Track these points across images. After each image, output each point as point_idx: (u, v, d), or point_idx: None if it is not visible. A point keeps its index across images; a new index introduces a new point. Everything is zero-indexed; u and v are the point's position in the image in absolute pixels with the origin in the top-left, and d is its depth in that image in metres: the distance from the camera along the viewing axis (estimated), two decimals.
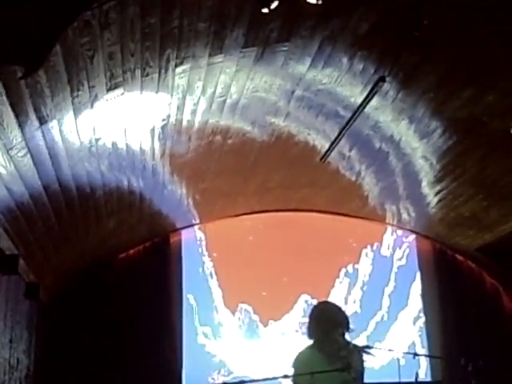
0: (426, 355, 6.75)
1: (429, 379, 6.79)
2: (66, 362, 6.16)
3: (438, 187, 5.95)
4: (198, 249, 6.88)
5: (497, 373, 6.36)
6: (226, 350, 6.63)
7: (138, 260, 6.68)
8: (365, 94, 4.36)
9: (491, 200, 6.00)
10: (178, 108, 4.21)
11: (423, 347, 6.93)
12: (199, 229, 6.94)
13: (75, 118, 3.58)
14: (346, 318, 4.09)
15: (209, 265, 6.83)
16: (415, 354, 4.64)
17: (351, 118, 4.69)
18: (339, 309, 4.17)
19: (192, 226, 6.90)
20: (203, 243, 6.90)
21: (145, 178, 5.19)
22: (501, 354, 6.74)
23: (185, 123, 4.48)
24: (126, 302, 6.45)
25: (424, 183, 5.92)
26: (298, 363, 4.05)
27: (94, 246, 6.01)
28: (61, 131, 3.59)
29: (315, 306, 4.31)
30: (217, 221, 6.95)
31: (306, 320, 4.26)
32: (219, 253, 6.89)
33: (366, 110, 4.56)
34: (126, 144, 4.39)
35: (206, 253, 6.87)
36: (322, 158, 5.50)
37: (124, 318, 6.39)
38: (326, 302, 4.42)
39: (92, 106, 3.58)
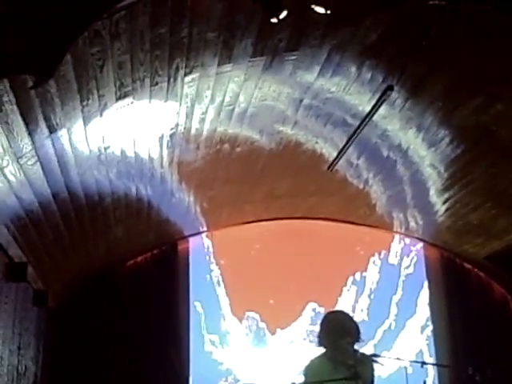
0: (433, 364, 6.71)
1: None
2: (74, 370, 6.17)
3: (446, 195, 5.95)
4: (206, 256, 6.89)
5: (503, 382, 6.35)
6: (233, 357, 6.63)
7: (145, 267, 6.69)
8: (373, 102, 4.37)
9: (500, 208, 5.99)
10: (186, 116, 4.23)
11: (431, 356, 6.90)
12: (207, 236, 6.95)
13: (85, 127, 3.60)
14: (356, 327, 4.09)
15: (216, 272, 6.83)
16: (423, 363, 4.63)
17: (359, 126, 4.70)
18: (350, 318, 4.17)
19: (199, 233, 6.91)
20: (211, 251, 6.91)
21: (153, 186, 5.21)
22: (509, 364, 6.71)
23: (193, 131, 4.50)
24: (133, 309, 6.46)
25: (432, 191, 5.91)
26: (308, 371, 4.06)
27: (102, 253, 6.03)
28: (70, 140, 3.62)
29: (326, 315, 4.32)
30: (224, 228, 6.95)
31: (314, 328, 4.27)
32: (226, 260, 6.90)
33: (373, 118, 4.57)
34: (135, 152, 4.41)
35: (213, 260, 6.87)
36: (329, 167, 5.50)
37: (131, 326, 6.40)
38: (337, 311, 4.43)
39: (101, 115, 3.60)
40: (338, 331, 4.00)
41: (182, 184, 5.42)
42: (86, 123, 3.57)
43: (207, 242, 6.93)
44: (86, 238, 5.32)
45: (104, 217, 5.18)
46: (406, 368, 5.78)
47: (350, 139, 4.92)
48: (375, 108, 4.38)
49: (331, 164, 5.45)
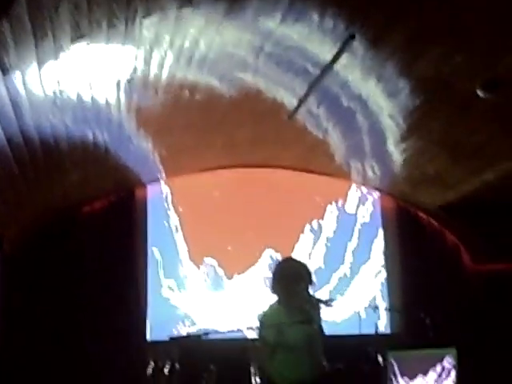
0: (386, 309, 6.94)
1: (388, 332, 7.00)
2: (29, 314, 6.16)
3: (404, 145, 6.02)
4: (164, 203, 6.87)
5: (453, 326, 6.61)
6: (191, 302, 6.71)
7: (103, 213, 6.64)
8: (334, 51, 4.34)
9: (455, 159, 6.10)
10: (144, 61, 4.13)
11: (384, 301, 7.11)
12: (165, 183, 6.91)
13: (39, 70, 3.50)
14: (308, 272, 4.18)
15: (174, 219, 6.84)
16: (375, 307, 4.79)
17: (320, 75, 4.67)
18: (302, 264, 4.25)
19: (158, 180, 6.87)
20: (169, 198, 6.88)
21: (110, 132, 5.13)
22: (457, 310, 6.98)
23: (152, 77, 4.41)
24: (91, 255, 6.44)
25: (390, 142, 5.97)
26: (264, 318, 4.15)
27: (58, 198, 5.95)
28: (24, 82, 3.51)
29: (278, 263, 4.40)
30: (183, 176, 6.92)
31: (271, 274, 4.34)
32: (185, 208, 6.90)
33: (335, 67, 4.54)
34: (92, 97, 4.31)
35: (171, 207, 6.86)
36: (289, 115, 5.49)
37: (89, 272, 6.39)
38: (289, 258, 4.50)
39: (57, 58, 3.49)
40: (291, 277, 4.08)
41: (141, 130, 5.34)
42: (40, 66, 3.46)
43: (166, 189, 6.90)
44: (42, 182, 5.23)
45: (60, 162, 5.10)
46: (359, 313, 5.95)
47: (310, 88, 4.90)
48: (336, 57, 4.35)
49: (291, 113, 5.44)
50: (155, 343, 6.44)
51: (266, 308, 4.25)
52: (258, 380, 3.81)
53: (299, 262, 4.28)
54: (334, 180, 7.24)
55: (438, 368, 4.08)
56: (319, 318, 4.25)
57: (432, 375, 4.08)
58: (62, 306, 6.25)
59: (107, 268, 6.45)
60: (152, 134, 5.53)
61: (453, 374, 4.01)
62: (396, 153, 6.20)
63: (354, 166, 6.89)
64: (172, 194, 6.89)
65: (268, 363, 3.99)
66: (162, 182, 6.90)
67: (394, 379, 4.20)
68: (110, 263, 6.48)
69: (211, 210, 6.93)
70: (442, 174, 6.47)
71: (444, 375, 4.05)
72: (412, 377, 4.15)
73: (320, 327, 4.16)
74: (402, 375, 4.17)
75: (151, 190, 6.88)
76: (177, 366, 6.43)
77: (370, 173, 6.98)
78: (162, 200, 6.87)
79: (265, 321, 4.11)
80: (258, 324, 4.12)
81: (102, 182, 6.25)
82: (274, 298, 4.35)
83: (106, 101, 4.49)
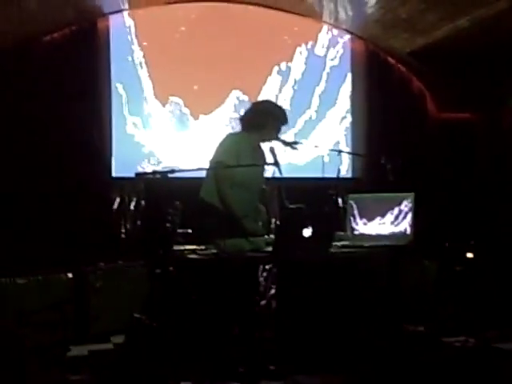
0: (349, 152, 7.06)
1: (350, 176, 7.17)
2: None
3: None
4: (128, 37, 6.57)
5: (413, 172, 6.80)
6: (156, 140, 6.68)
7: (63, 44, 6.30)
8: None
9: (429, 3, 5.93)
10: None
11: (347, 146, 7.22)
12: (129, 15, 6.57)
13: None
14: (284, 113, 4.16)
15: (139, 54, 6.59)
16: (339, 152, 4.85)
17: None
18: (280, 106, 4.25)
19: (121, 11, 6.51)
20: (133, 31, 6.58)
21: None
22: (419, 156, 7.14)
23: None
24: (51, 87, 6.22)
25: None
26: (227, 144, 4.09)
27: (14, 26, 5.64)
28: None
29: (269, 102, 4.41)
30: (147, 8, 6.58)
31: (237, 115, 4.32)
32: (150, 42, 6.62)
33: None
34: None
35: (135, 41, 6.58)
36: None
37: (49, 104, 6.20)
38: (268, 100, 4.49)
39: None
40: (281, 120, 4.08)
41: None
42: None
43: (129, 22, 6.57)
44: None
45: None
46: (322, 156, 6.03)
47: None
48: None
49: None
50: (121, 179, 6.48)
51: (231, 133, 4.25)
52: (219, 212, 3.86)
53: (276, 104, 4.30)
54: (305, 20, 7.00)
55: (396, 211, 4.22)
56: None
57: (389, 217, 4.23)
58: (24, 138, 6.14)
59: (69, 103, 6.27)
60: None
61: (409, 216, 4.16)
62: None
63: (327, 6, 6.64)
64: (136, 26, 6.57)
65: (228, 193, 3.95)
66: (126, 13, 6.55)
67: (352, 220, 4.35)
68: (72, 98, 6.29)
69: (177, 46, 6.68)
70: (414, 19, 6.30)
71: (400, 218, 4.20)
72: (370, 218, 4.30)
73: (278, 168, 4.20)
74: (361, 217, 4.32)
75: (114, 22, 6.51)
76: (142, 202, 6.56)
77: (342, 14, 6.76)
78: (125, 33, 6.56)
79: (227, 146, 4.07)
80: (219, 147, 4.08)
81: (61, 11, 5.91)
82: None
83: None
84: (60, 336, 4.63)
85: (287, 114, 4.18)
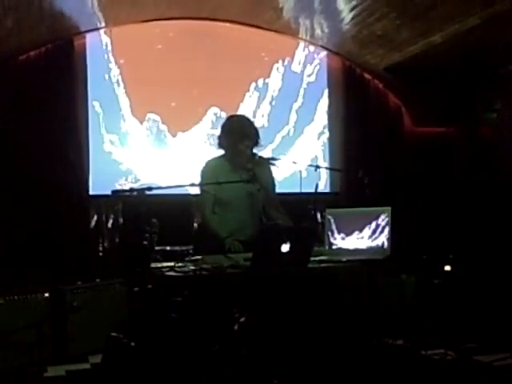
0: (327, 168, 7.10)
1: (328, 190, 7.21)
2: None
3: (354, 2, 5.87)
4: (104, 55, 6.57)
5: (389, 186, 6.85)
6: (134, 158, 6.66)
7: (39, 63, 6.29)
8: None
9: (404, 19, 6.01)
10: None
11: (325, 161, 7.26)
12: (105, 33, 6.57)
13: None
14: (256, 131, 4.20)
15: (115, 72, 6.59)
16: (317, 167, 4.87)
17: None
18: (250, 122, 4.26)
19: (97, 29, 6.51)
20: (109, 49, 6.58)
21: None
22: (395, 171, 7.21)
23: None
24: (27, 106, 6.19)
25: None
26: (206, 171, 4.20)
27: None
28: None
29: (228, 118, 4.38)
30: (124, 26, 6.59)
31: (214, 132, 4.34)
32: (126, 60, 6.63)
33: None
34: None
35: (112, 59, 6.57)
36: None
37: (26, 124, 6.18)
38: (239, 115, 4.49)
39: None
40: (238, 134, 4.10)
41: None
42: None
43: (106, 39, 6.57)
44: None
45: None
46: (300, 172, 6.05)
47: None
48: None
49: None
50: (98, 197, 6.45)
51: (207, 161, 4.28)
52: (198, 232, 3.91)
53: (248, 120, 4.29)
54: (282, 37, 7.06)
55: (373, 225, 4.24)
56: (268, 177, 4.33)
57: (367, 232, 4.25)
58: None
59: (45, 121, 6.25)
60: None
61: (386, 230, 4.18)
62: (345, 10, 6.05)
63: (303, 23, 6.71)
64: (112, 44, 6.58)
65: (209, 217, 4.10)
66: (102, 32, 6.56)
67: (330, 235, 4.36)
68: (49, 117, 6.28)
69: (154, 63, 6.69)
70: (390, 35, 6.39)
71: (378, 232, 4.22)
72: (348, 233, 4.31)
73: (270, 185, 4.27)
74: (339, 231, 4.33)
75: (90, 40, 6.52)
76: (120, 220, 6.52)
77: (318, 31, 6.83)
78: (102, 51, 6.56)
79: (205, 175, 4.16)
80: (200, 174, 4.17)
81: (37, 30, 5.90)
82: (217, 153, 4.36)
83: None
84: (37, 356, 4.57)
85: (254, 127, 4.20)
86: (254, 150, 4.24)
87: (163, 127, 6.74)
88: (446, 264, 5.88)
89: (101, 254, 6.46)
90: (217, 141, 4.26)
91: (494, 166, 7.11)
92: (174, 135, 6.77)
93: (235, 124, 4.20)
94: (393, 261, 4.15)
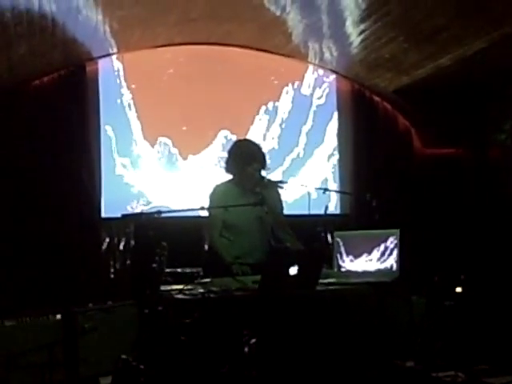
0: (336, 191, 7.12)
1: (337, 212, 7.22)
2: None
3: (362, 27, 5.92)
4: (116, 80, 6.69)
5: (398, 209, 6.86)
6: (145, 181, 6.73)
7: (52, 88, 6.40)
8: None
9: (411, 43, 6.07)
10: None
11: (335, 183, 7.29)
12: (117, 59, 6.69)
13: None
14: (263, 155, 4.25)
15: (127, 96, 6.69)
16: (326, 189, 4.91)
17: None
18: (258, 146, 4.31)
19: (109, 55, 6.63)
20: (121, 74, 6.69)
21: (57, 2, 4.87)
22: (404, 193, 7.22)
23: None
24: (41, 132, 6.30)
25: (348, 22, 5.86)
26: (215, 196, 4.25)
27: (3, 72, 5.73)
28: None
29: (235, 142, 4.45)
30: (135, 51, 6.70)
31: (225, 155, 4.39)
32: (138, 85, 6.73)
33: None
34: None
35: (124, 84, 6.68)
36: None
37: (39, 148, 6.27)
38: (246, 140, 4.55)
39: None
40: (246, 158, 4.16)
41: (89, 0, 5.09)
42: None
43: (117, 65, 6.69)
44: None
45: (4, 33, 4.86)
46: (310, 194, 6.08)
47: None
48: None
49: None
50: (109, 220, 6.51)
51: (215, 186, 4.33)
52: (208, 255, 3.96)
53: (255, 144, 4.35)
54: (291, 61, 7.13)
55: (382, 247, 4.25)
56: (276, 200, 4.37)
57: (376, 254, 4.26)
58: (13, 184, 6.18)
59: (58, 145, 6.35)
60: (101, 5, 5.27)
61: (395, 252, 4.19)
62: (354, 34, 6.11)
63: (312, 47, 6.78)
64: (124, 70, 6.69)
65: (217, 241, 4.14)
66: (114, 57, 6.67)
67: (339, 257, 4.38)
68: (61, 141, 6.38)
69: (165, 88, 6.79)
70: (398, 58, 6.45)
71: (386, 254, 4.23)
72: (357, 255, 4.33)
73: (279, 208, 4.31)
74: (348, 254, 4.35)
75: (102, 66, 6.64)
76: (131, 242, 6.58)
77: (327, 54, 6.90)
78: (114, 76, 6.68)
79: (215, 199, 4.21)
80: (208, 198, 4.23)
81: (50, 56, 6.01)
82: (226, 177, 4.41)
83: None
84: (49, 378, 4.59)
85: (261, 150, 4.26)
86: (263, 173, 4.29)
87: (174, 150, 6.81)
88: (458, 286, 5.85)
89: (112, 276, 6.50)
90: (224, 165, 4.32)
91: (504, 187, 7.10)
92: (184, 158, 6.84)
93: (243, 148, 4.26)
94: (403, 282, 4.15)
